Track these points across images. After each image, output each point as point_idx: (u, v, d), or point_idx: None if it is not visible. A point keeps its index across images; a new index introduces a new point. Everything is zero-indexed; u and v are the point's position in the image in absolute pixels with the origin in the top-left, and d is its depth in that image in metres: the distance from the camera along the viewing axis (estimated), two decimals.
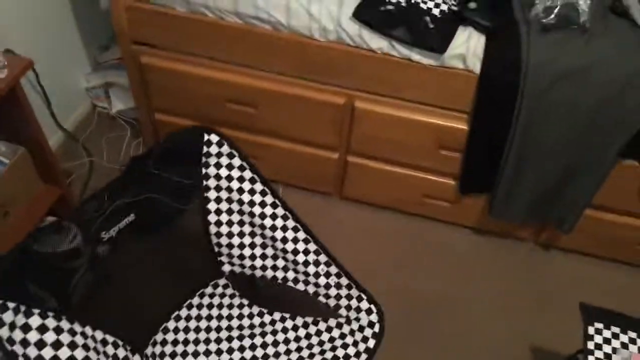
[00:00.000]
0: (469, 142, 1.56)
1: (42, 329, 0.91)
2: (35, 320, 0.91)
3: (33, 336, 0.90)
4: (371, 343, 1.20)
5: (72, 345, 0.93)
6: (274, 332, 1.26)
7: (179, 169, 1.19)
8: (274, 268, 1.23)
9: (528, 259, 1.81)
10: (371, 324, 1.21)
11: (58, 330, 0.93)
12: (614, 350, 1.14)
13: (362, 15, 1.43)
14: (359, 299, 1.22)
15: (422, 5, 1.45)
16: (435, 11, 1.45)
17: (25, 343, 0.89)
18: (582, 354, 1.16)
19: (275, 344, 1.24)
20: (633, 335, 1.17)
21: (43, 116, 1.87)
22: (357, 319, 1.22)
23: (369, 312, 1.22)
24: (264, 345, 1.24)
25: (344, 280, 1.22)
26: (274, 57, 1.57)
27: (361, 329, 1.21)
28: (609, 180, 1.52)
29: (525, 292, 1.72)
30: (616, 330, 1.17)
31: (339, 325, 1.23)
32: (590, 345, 1.15)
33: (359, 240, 1.84)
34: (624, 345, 1.15)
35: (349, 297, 1.23)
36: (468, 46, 1.41)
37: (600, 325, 1.18)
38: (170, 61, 1.66)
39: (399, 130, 1.62)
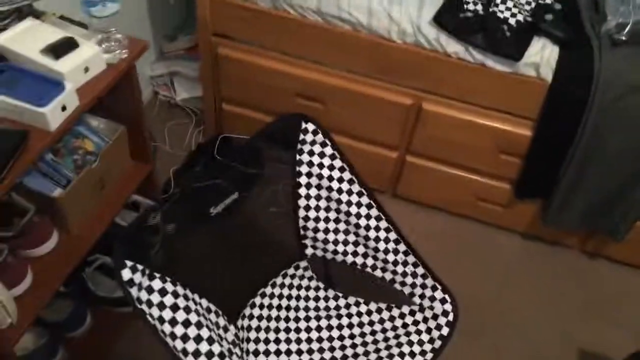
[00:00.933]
0: (532, 148, 1.62)
1: (162, 291, 0.98)
2: (157, 284, 0.97)
3: (155, 298, 0.96)
4: (445, 331, 1.25)
5: (187, 310, 0.99)
6: (349, 315, 1.32)
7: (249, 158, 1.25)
8: (355, 254, 1.29)
9: (574, 266, 1.87)
10: (445, 313, 1.27)
11: (175, 294, 0.99)
12: None
13: (442, 20, 1.50)
14: (434, 289, 1.28)
15: (499, 14, 1.52)
16: (512, 20, 1.52)
17: (149, 303, 0.95)
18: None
19: (350, 326, 1.30)
20: None
21: None
22: (431, 307, 1.28)
23: (443, 301, 1.27)
24: (340, 327, 1.30)
25: (420, 270, 1.28)
26: (350, 56, 1.64)
27: (435, 317, 1.27)
28: None
29: (571, 299, 1.77)
30: None
31: (412, 313, 1.29)
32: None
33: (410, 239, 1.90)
34: None
35: (423, 286, 1.29)
36: (542, 55, 1.48)
37: None
38: (246, 53, 1.74)
39: (462, 133, 1.69)
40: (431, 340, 1.25)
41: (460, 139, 1.71)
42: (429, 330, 1.26)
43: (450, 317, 1.27)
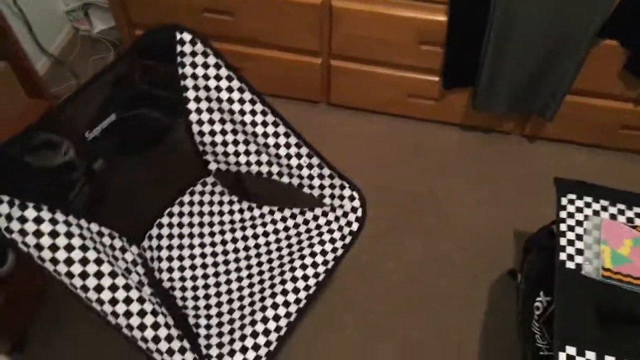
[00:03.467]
0: (448, 34, 1.55)
1: (38, 220, 0.97)
2: (30, 213, 0.97)
3: (30, 226, 0.96)
4: (355, 226, 1.26)
5: (69, 235, 1.00)
6: (264, 224, 1.33)
7: (166, 82, 1.21)
8: (258, 163, 1.28)
9: (514, 150, 1.85)
10: (354, 209, 1.27)
11: (53, 221, 0.99)
12: (586, 217, 1.19)
13: None
14: (342, 187, 1.27)
15: None
16: None
17: (23, 232, 0.96)
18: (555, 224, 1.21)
19: (266, 234, 1.32)
20: (605, 203, 1.22)
21: (26, 42, 1.87)
22: (341, 206, 1.28)
23: (351, 198, 1.27)
24: (255, 236, 1.32)
25: (326, 171, 1.27)
26: None
27: (345, 214, 1.27)
28: (589, 63, 1.53)
29: (510, 182, 1.76)
30: (588, 199, 1.23)
31: (325, 214, 1.29)
32: (563, 214, 1.20)
33: (347, 143, 1.88)
34: (596, 213, 1.20)
35: (332, 186, 1.28)
36: None
37: (573, 196, 1.23)
38: None
39: (378, 28, 1.61)
40: (342, 237, 1.26)
41: (378, 34, 1.63)
42: (340, 228, 1.27)
43: (359, 212, 1.27)
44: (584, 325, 1.03)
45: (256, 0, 1.62)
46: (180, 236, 1.28)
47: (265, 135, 1.24)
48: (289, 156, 1.26)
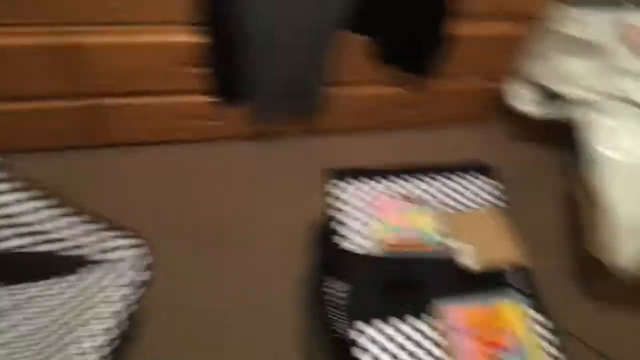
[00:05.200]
0: (206, 52, 1.53)
1: None
2: None
3: None
4: (142, 276, 1.16)
5: None
6: (16, 307, 1.15)
7: None
8: (3, 239, 1.11)
9: (299, 148, 1.90)
10: (137, 257, 1.17)
11: None
12: (356, 199, 1.26)
13: None
14: (117, 238, 1.17)
15: None
16: None
17: None
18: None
19: (42, 314, 1.15)
20: (371, 182, 1.30)
21: None
22: (121, 259, 1.17)
23: (130, 247, 1.17)
24: (28, 319, 1.14)
25: (93, 225, 1.15)
26: None
27: (127, 266, 1.17)
28: (346, 56, 1.62)
29: (299, 179, 1.79)
30: (358, 182, 1.30)
31: (105, 272, 1.17)
32: (337, 201, 1.25)
33: (133, 183, 1.76)
34: (365, 193, 1.28)
35: (104, 239, 1.16)
36: None
37: (344, 183, 1.30)
38: None
39: (130, 58, 1.52)
40: (131, 291, 1.15)
41: (131, 64, 1.54)
42: (123, 285, 1.16)
43: (144, 259, 1.17)
44: (370, 299, 1.08)
45: None
46: None
47: (5, 205, 1.08)
48: (41, 222, 1.11)
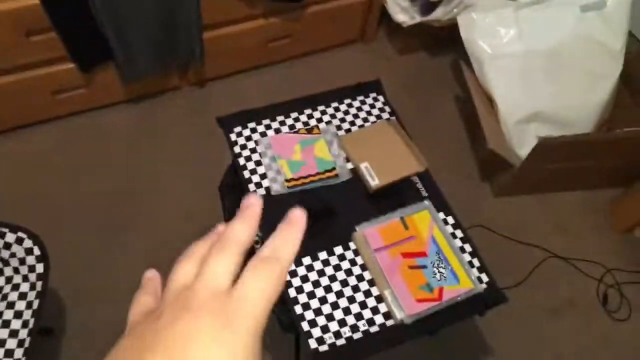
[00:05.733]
0: (49, 14, 1.36)
1: None
2: None
3: None
4: (40, 267, 1.08)
5: None
6: None
7: None
8: None
9: (190, 102, 1.82)
10: (29, 251, 1.08)
11: None
12: (256, 142, 1.23)
13: None
14: (2, 235, 1.07)
15: None
16: None
17: None
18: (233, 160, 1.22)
19: None
20: (267, 121, 1.27)
21: None
22: (13, 255, 1.08)
23: (19, 241, 1.08)
24: None
25: None
26: None
27: (22, 261, 1.08)
28: None
29: (197, 134, 1.74)
30: (252, 125, 1.26)
31: (0, 272, 1.08)
32: (237, 149, 1.21)
33: (13, 173, 1.60)
34: (263, 134, 1.25)
35: None
36: None
37: (239, 128, 1.25)
38: None
39: None
40: (33, 286, 1.07)
41: None
42: (25, 278, 1.07)
43: (36, 251, 1.09)
44: None
45: None
46: None
47: None
48: None
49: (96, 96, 1.67)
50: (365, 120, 1.26)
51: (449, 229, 1.07)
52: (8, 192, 1.54)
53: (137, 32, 1.48)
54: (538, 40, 1.58)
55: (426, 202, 1.09)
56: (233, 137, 1.24)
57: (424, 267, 0.98)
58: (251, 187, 1.16)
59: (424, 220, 1.05)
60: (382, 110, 1.28)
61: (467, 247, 1.05)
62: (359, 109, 1.29)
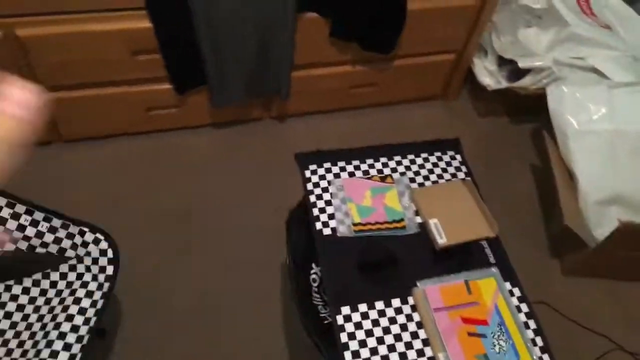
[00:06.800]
0: (158, 38, 1.48)
1: None
2: None
3: None
4: (110, 269, 1.14)
5: None
6: (3, 305, 1.12)
7: None
8: None
9: (268, 134, 1.89)
10: (103, 252, 1.14)
11: None
12: (329, 182, 1.26)
13: None
14: (82, 234, 1.14)
15: None
16: None
17: None
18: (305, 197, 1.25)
19: (8, 315, 1.11)
20: (342, 163, 1.30)
21: None
22: (88, 253, 1.14)
23: (96, 242, 1.14)
24: (6, 318, 1.10)
25: (56, 222, 1.11)
26: None
27: (95, 260, 1.14)
28: (300, 39, 1.61)
29: (272, 166, 1.80)
30: (328, 165, 1.29)
31: (73, 268, 1.14)
32: (309, 186, 1.24)
33: (98, 177, 1.71)
34: (337, 175, 1.27)
35: (69, 236, 1.13)
36: None
37: (314, 166, 1.28)
38: None
39: (82, 48, 1.47)
40: (99, 286, 1.13)
41: (85, 55, 1.49)
42: (95, 278, 1.13)
43: (110, 253, 1.15)
44: (351, 282, 1.08)
45: None
46: None
47: None
48: (2, 220, 1.07)
49: (185, 117, 1.78)
50: (439, 176, 1.26)
51: (515, 301, 1.03)
52: (91, 194, 1.65)
53: (232, 63, 1.58)
54: (629, 121, 1.53)
55: (493, 269, 1.05)
56: (307, 174, 1.27)
57: (484, 336, 0.95)
58: (318, 225, 1.17)
59: (489, 288, 1.01)
60: (458, 169, 1.27)
61: (532, 324, 1.00)
62: (435, 165, 1.28)
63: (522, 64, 1.72)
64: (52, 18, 1.39)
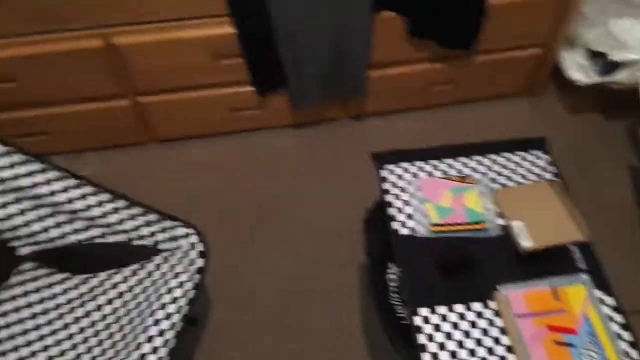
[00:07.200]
0: (241, 43, 1.55)
1: None
2: None
3: None
4: (199, 262, 1.21)
5: None
6: (105, 292, 1.23)
7: None
8: (74, 232, 1.17)
9: (346, 133, 1.91)
10: (193, 245, 1.22)
11: None
12: (407, 182, 1.25)
13: None
14: (173, 228, 1.22)
15: None
16: None
17: None
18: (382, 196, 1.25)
19: (110, 302, 1.21)
20: (420, 163, 1.29)
21: None
22: (179, 247, 1.22)
23: (186, 236, 1.22)
24: (99, 308, 1.21)
25: (152, 216, 1.20)
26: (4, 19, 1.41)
27: (185, 254, 1.22)
28: (377, 37, 1.61)
29: (349, 165, 1.81)
30: (405, 164, 1.28)
31: (165, 259, 1.23)
32: (386, 185, 1.25)
33: (186, 174, 1.82)
34: (414, 175, 1.27)
35: (163, 230, 1.22)
36: None
37: (391, 166, 1.29)
38: None
39: (172, 54, 1.56)
40: (190, 278, 1.20)
41: (176, 60, 1.58)
42: (185, 270, 1.21)
43: (199, 247, 1.22)
44: (430, 284, 1.07)
45: (31, 57, 1.49)
46: (12, 337, 1.14)
47: (70, 201, 1.14)
48: (105, 214, 1.17)
49: (267, 118, 1.84)
50: (523, 177, 1.21)
51: (607, 310, 0.97)
52: (179, 189, 1.75)
53: (310, 66, 1.61)
54: None
55: (583, 276, 1.00)
56: (384, 173, 1.27)
57: (572, 346, 0.91)
58: (394, 225, 1.17)
59: (578, 295, 0.97)
60: (543, 170, 1.22)
61: (626, 336, 0.94)
62: (518, 165, 1.24)
63: (615, 57, 1.61)
64: (145, 27, 1.49)
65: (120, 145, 1.85)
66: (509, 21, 1.67)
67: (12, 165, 1.09)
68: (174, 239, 1.22)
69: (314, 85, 1.67)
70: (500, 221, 1.12)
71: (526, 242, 1.03)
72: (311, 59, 1.60)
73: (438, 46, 1.68)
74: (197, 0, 1.46)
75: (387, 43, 1.64)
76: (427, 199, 1.20)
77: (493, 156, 1.27)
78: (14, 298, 1.17)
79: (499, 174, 1.23)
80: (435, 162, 1.28)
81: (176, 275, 1.21)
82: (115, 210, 1.17)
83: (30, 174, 1.10)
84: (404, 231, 1.16)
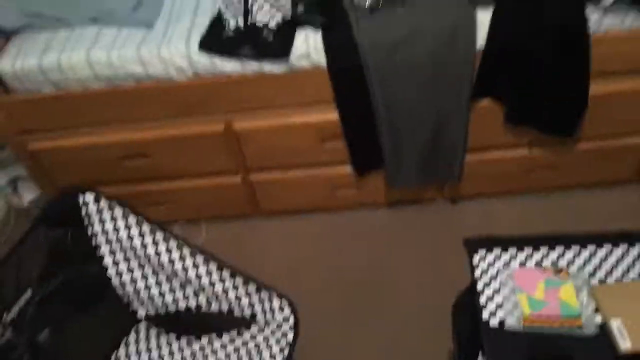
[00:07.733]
0: (344, 127, 1.68)
1: None
2: None
3: None
4: (290, 336, 1.28)
5: None
6: (205, 357, 1.33)
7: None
8: (185, 298, 1.31)
9: (440, 215, 1.93)
10: (286, 319, 1.29)
11: None
12: (498, 270, 1.24)
13: (207, 45, 1.55)
14: (270, 300, 1.31)
15: (258, 23, 1.57)
16: (272, 23, 1.57)
17: None
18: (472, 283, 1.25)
19: None
20: (513, 251, 1.28)
21: None
22: (273, 319, 1.31)
23: (281, 308, 1.30)
24: None
25: (252, 287, 1.31)
26: (146, 108, 1.67)
27: (278, 326, 1.29)
28: (474, 123, 1.66)
29: (443, 247, 1.82)
30: (498, 252, 1.28)
31: (260, 330, 1.31)
32: (477, 273, 1.25)
33: (287, 247, 1.93)
34: (507, 263, 1.26)
35: (260, 300, 1.31)
36: (308, 44, 1.54)
37: (483, 252, 1.29)
38: (56, 139, 1.75)
39: (282, 137, 1.73)
40: (280, 350, 1.27)
41: (284, 142, 1.75)
42: (277, 341, 1.28)
43: (291, 320, 1.29)
44: None
45: (165, 140, 1.73)
46: None
47: (185, 269, 1.28)
48: (212, 283, 1.29)
49: (364, 196, 1.93)
50: (625, 272, 1.16)
51: None
52: (278, 261, 1.87)
53: (408, 149, 1.69)
54: None
55: None
56: (476, 259, 1.28)
57: None
58: (485, 315, 1.16)
59: None
60: None
61: None
62: (620, 259, 1.19)
63: None
64: (260, 113, 1.69)
65: (230, 216, 2.03)
66: (614, 109, 1.64)
67: (141, 234, 1.27)
68: (270, 310, 1.31)
69: (410, 167, 1.74)
70: (598, 319, 1.07)
71: (625, 343, 0.98)
72: (409, 143, 1.68)
73: (537, 132, 1.69)
74: (305, 90, 1.63)
75: (484, 129, 1.69)
76: (520, 289, 1.18)
77: (592, 247, 1.23)
78: (129, 355, 1.31)
79: (598, 267, 1.18)
80: (529, 250, 1.27)
81: (269, 347, 1.29)
82: (221, 280, 1.30)
83: (155, 242, 1.27)
84: (494, 321, 1.15)
